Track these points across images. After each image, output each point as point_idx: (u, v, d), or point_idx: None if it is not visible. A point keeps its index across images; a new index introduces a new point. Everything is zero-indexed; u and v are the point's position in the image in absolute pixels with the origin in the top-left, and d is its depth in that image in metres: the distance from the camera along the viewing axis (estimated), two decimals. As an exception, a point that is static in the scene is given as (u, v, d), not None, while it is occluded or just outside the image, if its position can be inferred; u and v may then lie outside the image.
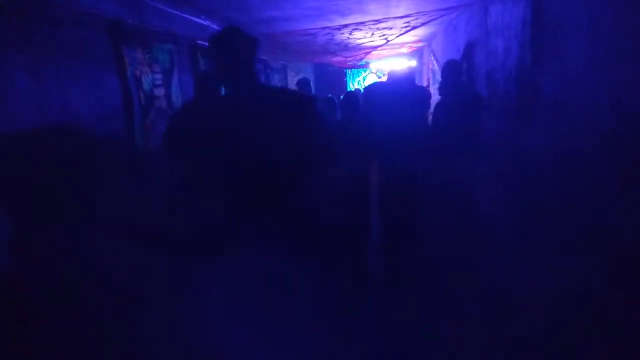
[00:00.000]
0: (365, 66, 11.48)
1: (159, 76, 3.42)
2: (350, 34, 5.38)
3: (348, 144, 3.08)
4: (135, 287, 2.18)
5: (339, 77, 11.49)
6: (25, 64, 2.20)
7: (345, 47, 6.72)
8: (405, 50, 9.41)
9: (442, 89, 3.60)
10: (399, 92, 3.25)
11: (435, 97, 4.05)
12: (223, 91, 2.14)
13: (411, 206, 3.13)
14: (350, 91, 4.08)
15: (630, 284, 1.62)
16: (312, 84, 10.20)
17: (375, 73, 11.42)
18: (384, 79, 10.43)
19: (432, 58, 7.74)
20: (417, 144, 3.08)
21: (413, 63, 10.19)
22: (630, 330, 1.62)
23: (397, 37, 5.96)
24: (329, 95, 6.07)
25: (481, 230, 3.50)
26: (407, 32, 5.55)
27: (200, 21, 4.27)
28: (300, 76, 9.74)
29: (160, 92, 3.43)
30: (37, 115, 2.24)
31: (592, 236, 1.92)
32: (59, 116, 2.41)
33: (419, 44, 8.68)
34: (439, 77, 4.79)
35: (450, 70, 3.56)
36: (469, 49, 4.70)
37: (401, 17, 4.63)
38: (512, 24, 3.02)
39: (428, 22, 5.05)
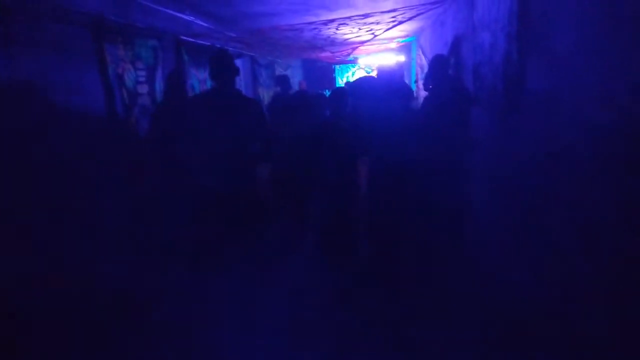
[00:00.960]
0: (353, 62, 11.45)
1: (142, 73, 3.36)
2: (336, 29, 5.34)
3: (338, 138, 3.07)
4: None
5: (327, 72, 11.46)
6: (3, 59, 2.13)
7: (332, 43, 6.68)
8: (393, 45, 9.39)
9: (428, 84, 3.59)
10: (384, 86, 3.24)
11: (421, 92, 4.04)
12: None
13: (401, 199, 3.13)
14: (339, 87, 4.06)
15: (621, 281, 1.62)
16: (302, 79, 10.19)
17: (364, 69, 11.39)
18: (372, 74, 10.42)
19: (421, 53, 7.74)
20: (405, 137, 3.07)
21: (402, 58, 10.18)
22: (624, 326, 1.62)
23: (384, 32, 5.92)
24: (319, 91, 6.05)
25: (469, 224, 3.51)
26: (394, 27, 5.52)
27: (185, 17, 4.21)
28: (289, 72, 9.70)
29: (143, 89, 3.37)
30: (14, 110, 2.18)
31: (580, 232, 1.92)
32: (39, 115, 2.35)
33: (407, 39, 8.67)
34: (427, 72, 4.78)
35: (437, 65, 3.55)
36: (456, 44, 4.69)
37: (388, 12, 4.60)
38: (499, 17, 3.01)
39: (415, 16, 5.03)
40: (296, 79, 10.08)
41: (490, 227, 3.38)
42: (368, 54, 10.56)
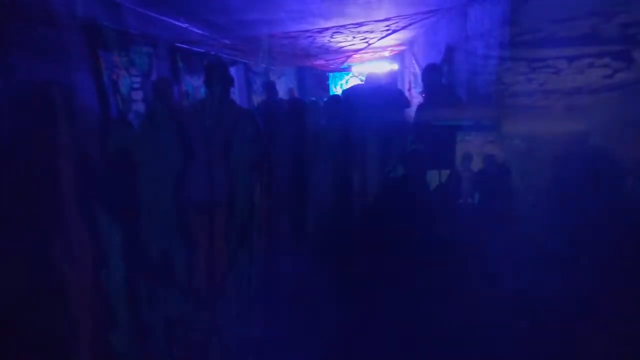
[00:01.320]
0: (347, 70, 11.52)
1: (137, 79, 3.36)
2: (331, 37, 5.38)
3: (332, 149, 3.07)
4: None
5: (321, 80, 11.52)
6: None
7: (327, 50, 6.72)
8: (387, 53, 9.46)
9: (423, 92, 3.63)
10: (379, 94, 3.26)
11: (418, 101, 4.07)
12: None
13: (397, 207, 3.14)
14: (335, 95, 4.07)
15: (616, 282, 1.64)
16: (295, 87, 10.23)
17: (358, 76, 11.45)
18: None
19: (414, 61, 7.80)
20: (397, 145, 3.09)
21: (395, 66, 10.25)
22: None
23: (378, 40, 5.98)
24: (312, 98, 6.06)
25: (464, 230, 3.52)
26: (387, 35, 5.57)
27: (180, 24, 4.21)
28: (282, 79, 9.73)
29: (138, 95, 3.37)
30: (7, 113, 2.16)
31: (573, 235, 1.93)
32: (33, 118, 2.34)
33: (401, 48, 8.75)
34: (420, 81, 4.83)
35: (430, 73, 3.58)
36: (450, 52, 4.74)
37: (382, 21, 4.65)
38: (492, 26, 3.05)
39: (408, 25, 5.08)
40: (290, 87, 10.11)
41: (484, 228, 3.40)
42: (362, 62, 10.62)
